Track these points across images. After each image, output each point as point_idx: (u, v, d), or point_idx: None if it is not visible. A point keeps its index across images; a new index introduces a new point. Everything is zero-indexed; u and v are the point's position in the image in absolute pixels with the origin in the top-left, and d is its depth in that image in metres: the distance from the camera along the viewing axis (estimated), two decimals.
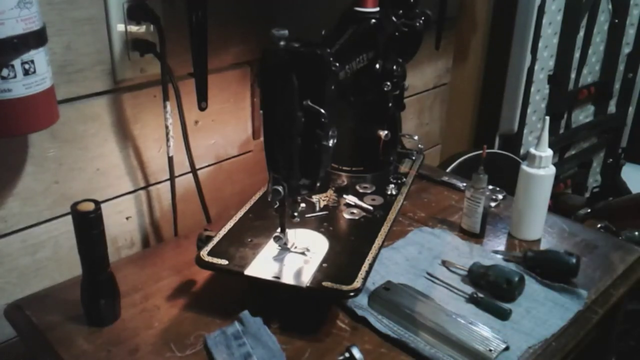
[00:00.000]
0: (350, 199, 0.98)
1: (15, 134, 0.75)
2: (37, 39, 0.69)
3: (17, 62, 0.67)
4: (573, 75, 1.92)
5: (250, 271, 0.78)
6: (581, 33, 1.87)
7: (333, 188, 1.02)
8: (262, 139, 1.03)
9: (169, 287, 0.85)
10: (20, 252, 0.86)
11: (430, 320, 0.76)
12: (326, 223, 0.91)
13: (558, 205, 1.82)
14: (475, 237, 0.99)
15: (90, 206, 0.71)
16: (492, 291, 0.84)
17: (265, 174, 0.77)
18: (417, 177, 1.12)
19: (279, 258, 0.82)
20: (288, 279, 0.78)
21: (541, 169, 0.95)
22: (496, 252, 0.95)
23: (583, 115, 2.09)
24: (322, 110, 0.72)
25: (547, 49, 1.75)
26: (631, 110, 2.20)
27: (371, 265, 0.80)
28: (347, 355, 0.70)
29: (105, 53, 0.86)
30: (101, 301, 0.76)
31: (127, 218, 0.98)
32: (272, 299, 0.82)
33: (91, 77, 0.86)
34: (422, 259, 0.92)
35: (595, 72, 2.04)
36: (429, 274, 0.89)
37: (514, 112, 1.75)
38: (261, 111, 0.74)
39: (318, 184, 0.77)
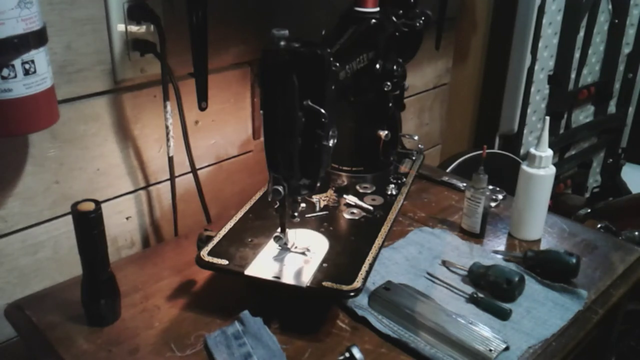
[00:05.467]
0: (351, 199, 0.98)
1: (15, 134, 0.75)
2: (37, 38, 0.69)
3: (17, 62, 0.67)
4: (573, 75, 1.92)
5: (250, 271, 0.78)
6: (581, 33, 1.87)
7: (333, 188, 1.02)
8: (262, 139, 1.03)
9: (169, 287, 0.85)
10: (20, 252, 0.86)
11: (431, 320, 0.76)
12: (326, 223, 0.91)
13: (558, 205, 1.81)
14: (475, 237, 0.99)
15: (91, 206, 0.71)
16: (492, 291, 0.84)
17: (265, 174, 0.76)
18: (417, 177, 1.12)
19: (279, 258, 0.82)
20: (288, 278, 0.78)
21: (541, 169, 0.95)
22: (496, 252, 0.95)
23: (583, 115, 2.09)
24: (322, 110, 0.72)
25: (547, 49, 1.75)
26: (631, 110, 2.20)
27: (371, 265, 0.80)
28: (347, 355, 0.70)
29: (106, 53, 0.87)
30: (101, 301, 0.76)
31: (127, 218, 0.98)
32: (272, 298, 0.82)
33: (91, 77, 0.86)
34: (422, 259, 0.92)
35: (595, 72, 2.04)
36: (429, 274, 0.89)
37: (514, 112, 1.75)
38: (261, 111, 0.74)
39: (318, 184, 0.77)
